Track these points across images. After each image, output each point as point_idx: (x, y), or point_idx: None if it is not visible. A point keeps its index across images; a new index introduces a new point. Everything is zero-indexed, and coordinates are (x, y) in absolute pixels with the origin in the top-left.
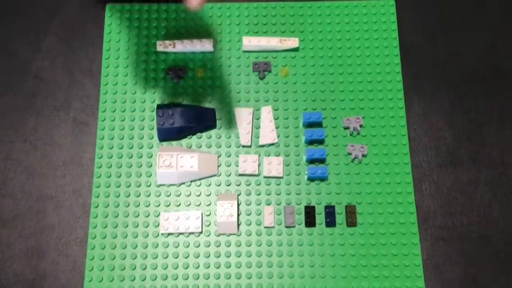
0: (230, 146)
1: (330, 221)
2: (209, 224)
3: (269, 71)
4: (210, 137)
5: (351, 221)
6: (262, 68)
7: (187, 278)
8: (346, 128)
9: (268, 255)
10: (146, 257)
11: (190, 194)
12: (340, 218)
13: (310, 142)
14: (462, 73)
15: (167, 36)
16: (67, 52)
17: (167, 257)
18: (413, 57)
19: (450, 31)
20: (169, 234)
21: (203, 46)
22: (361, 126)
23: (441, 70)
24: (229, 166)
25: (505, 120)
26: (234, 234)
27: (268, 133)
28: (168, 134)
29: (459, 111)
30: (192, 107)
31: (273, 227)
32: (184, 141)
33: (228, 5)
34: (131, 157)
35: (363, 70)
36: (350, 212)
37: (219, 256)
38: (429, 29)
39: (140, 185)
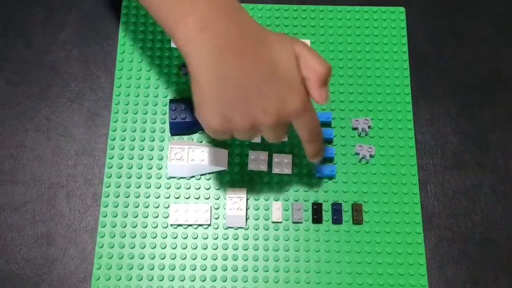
0: (240, 142)
1: (337, 218)
2: (218, 217)
3: None
4: None
5: (357, 219)
6: None
7: (194, 269)
8: (355, 128)
9: (275, 249)
10: (155, 247)
11: (200, 187)
12: (347, 215)
13: None
14: (468, 80)
15: None
16: (83, 45)
17: (175, 247)
18: (421, 64)
19: (457, 40)
20: (178, 225)
21: None
22: (369, 127)
23: (448, 76)
24: (239, 161)
25: (509, 127)
26: (242, 227)
27: None
28: (180, 129)
29: (465, 117)
30: None
31: (281, 222)
32: (196, 136)
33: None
34: (143, 149)
35: (373, 74)
36: (357, 210)
37: (226, 249)
38: (437, 37)
39: (151, 176)
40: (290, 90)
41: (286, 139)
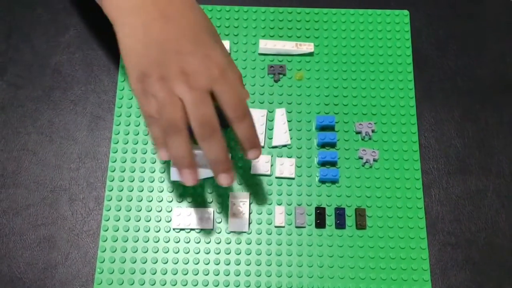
0: None
1: (340, 223)
2: (221, 221)
3: (284, 75)
4: (224, 137)
5: (361, 224)
6: (277, 71)
7: (197, 273)
8: (358, 132)
9: (277, 254)
10: (157, 251)
11: (202, 191)
12: (350, 220)
13: (322, 145)
14: (473, 84)
15: None
16: (86, 48)
17: (178, 251)
18: (425, 67)
19: (461, 43)
20: (181, 229)
21: None
22: (373, 131)
23: (452, 80)
24: (242, 165)
25: None
26: (245, 232)
27: (281, 135)
28: None
29: (469, 121)
30: None
31: (284, 226)
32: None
33: (245, 9)
34: (146, 152)
35: (376, 77)
36: (360, 214)
37: (229, 253)
38: (442, 41)
39: (154, 180)
40: (211, 55)
41: (218, 137)
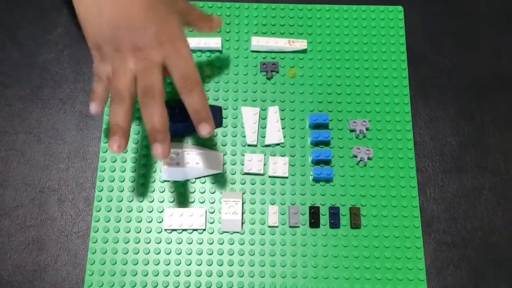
0: (236, 144)
1: (334, 223)
2: (213, 222)
3: (277, 72)
4: (216, 135)
5: (355, 223)
6: (270, 69)
7: (189, 275)
8: (352, 130)
9: (271, 254)
10: (149, 252)
11: (194, 191)
12: (344, 219)
13: (316, 144)
14: (468, 81)
15: None
16: (74, 46)
17: (170, 253)
18: (420, 64)
19: (456, 40)
20: (173, 230)
21: (211, 44)
22: (367, 129)
23: (447, 77)
24: (234, 164)
25: (509, 128)
26: (238, 232)
27: (274, 133)
28: (174, 131)
29: (464, 118)
30: None
31: (277, 226)
32: (190, 139)
33: (237, 5)
34: (136, 152)
35: (370, 74)
36: (355, 214)
37: (222, 254)
38: (436, 37)
39: (145, 180)
40: (163, 29)
41: (159, 103)
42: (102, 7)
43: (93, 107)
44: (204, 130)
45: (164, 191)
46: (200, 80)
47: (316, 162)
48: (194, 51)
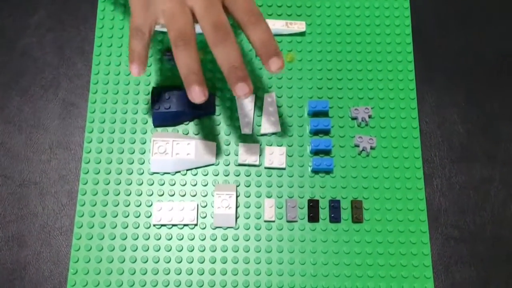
0: (230, 134)
1: (335, 217)
2: (205, 216)
3: None
4: (209, 124)
5: (357, 217)
6: None
7: (180, 273)
8: (354, 118)
9: (267, 251)
10: (136, 249)
11: (185, 184)
12: (345, 213)
13: (315, 133)
14: (477, 65)
15: None
16: (58, 29)
17: (159, 250)
18: (426, 47)
19: (464, 21)
20: (162, 225)
21: None
22: (370, 116)
23: (454, 61)
24: (228, 155)
25: None
26: (232, 227)
27: (271, 122)
28: (163, 119)
29: (474, 104)
30: None
31: (274, 221)
32: (181, 127)
33: None
34: (123, 142)
35: (373, 58)
36: (356, 207)
37: (214, 251)
38: (443, 19)
39: (132, 172)
40: None
41: (233, 41)
42: None
43: (135, 69)
44: (275, 65)
45: (152, 184)
46: (262, 14)
47: (315, 152)
48: None
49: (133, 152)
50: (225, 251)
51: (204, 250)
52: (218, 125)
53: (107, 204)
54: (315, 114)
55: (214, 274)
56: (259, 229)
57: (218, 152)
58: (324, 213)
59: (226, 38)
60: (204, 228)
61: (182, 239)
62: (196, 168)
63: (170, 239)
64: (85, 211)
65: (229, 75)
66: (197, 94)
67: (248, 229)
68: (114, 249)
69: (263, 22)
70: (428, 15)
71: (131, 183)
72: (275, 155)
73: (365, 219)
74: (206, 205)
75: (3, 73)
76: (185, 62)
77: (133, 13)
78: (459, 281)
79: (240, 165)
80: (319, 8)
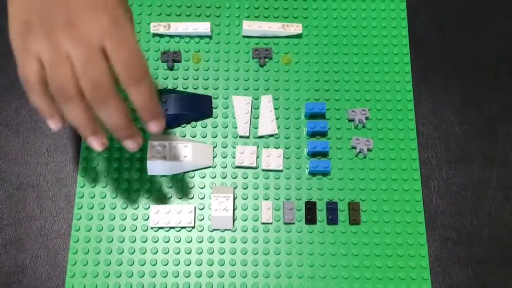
0: (227, 136)
1: (332, 219)
2: (203, 219)
3: (270, 58)
4: (206, 126)
5: (354, 219)
6: (262, 55)
7: (177, 276)
8: (351, 120)
9: (265, 253)
10: (134, 252)
11: (182, 186)
12: (343, 215)
13: (312, 134)
14: (473, 66)
15: (162, 17)
16: None
17: (156, 252)
18: (422, 48)
19: (461, 22)
20: (159, 228)
21: (200, 29)
22: (367, 118)
23: (451, 62)
24: (225, 157)
25: None
26: (229, 229)
27: (268, 124)
28: None
29: (471, 105)
30: (187, 94)
31: (271, 223)
32: (178, 130)
33: None
34: (120, 145)
35: (370, 60)
36: (354, 209)
37: (212, 253)
38: (440, 20)
39: (129, 175)
40: (102, 4)
41: (115, 102)
42: None
43: (51, 125)
44: (155, 127)
45: (150, 186)
46: (148, 70)
47: (313, 154)
48: (181, 36)
49: (130, 155)
50: (223, 253)
51: (201, 253)
52: (215, 127)
53: (104, 207)
54: (312, 116)
55: (211, 276)
56: (257, 231)
57: (215, 154)
58: (321, 215)
59: (106, 99)
60: (201, 231)
61: (179, 241)
62: (193, 170)
63: (168, 241)
64: (83, 214)
65: (116, 135)
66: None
67: (245, 231)
68: (111, 251)
69: (145, 81)
70: (424, 17)
71: (128, 186)
72: (272, 157)
73: (363, 221)
74: (204, 207)
75: (0, 76)
76: (72, 118)
77: (16, 60)
78: (457, 283)
79: (237, 167)
80: (316, 10)
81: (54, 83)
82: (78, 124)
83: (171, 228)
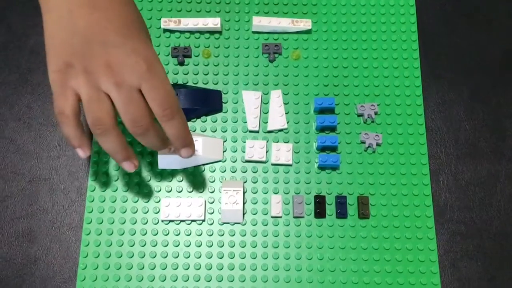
0: (237, 130)
1: (341, 212)
2: (213, 212)
3: (280, 54)
4: (216, 121)
5: (364, 213)
6: (272, 50)
7: (187, 268)
8: (360, 115)
9: (274, 246)
10: (145, 244)
11: (193, 180)
12: (352, 209)
13: (322, 129)
14: (482, 61)
15: (172, 13)
16: None
17: (167, 245)
18: (432, 44)
19: (470, 18)
20: (170, 221)
21: (210, 25)
22: (376, 113)
23: (460, 58)
24: (235, 151)
25: None
26: (239, 223)
27: (277, 118)
28: None
29: (479, 101)
30: (197, 88)
31: (281, 217)
32: (188, 125)
33: None
34: (131, 139)
35: (379, 55)
36: (363, 203)
37: (222, 246)
38: (449, 16)
39: (140, 169)
40: (138, 48)
41: (153, 134)
42: (75, 18)
43: (80, 153)
44: (186, 153)
45: (160, 180)
46: (179, 106)
47: (322, 149)
48: (192, 32)
49: (141, 149)
50: (233, 246)
51: (211, 246)
52: (225, 122)
53: (115, 200)
54: (321, 111)
55: (221, 269)
56: (266, 225)
57: (225, 148)
58: (330, 209)
59: (147, 131)
60: (211, 224)
61: (190, 234)
62: (203, 164)
63: (178, 234)
64: (94, 207)
65: (154, 149)
66: (128, 167)
67: (255, 224)
68: (123, 244)
69: (177, 116)
70: (433, 12)
71: (139, 179)
72: (282, 152)
73: (372, 215)
74: (214, 201)
75: (13, 71)
76: (107, 147)
77: (53, 94)
78: (465, 276)
79: (247, 161)
80: (325, 6)
81: (93, 116)
82: (113, 152)
83: (181, 221)
